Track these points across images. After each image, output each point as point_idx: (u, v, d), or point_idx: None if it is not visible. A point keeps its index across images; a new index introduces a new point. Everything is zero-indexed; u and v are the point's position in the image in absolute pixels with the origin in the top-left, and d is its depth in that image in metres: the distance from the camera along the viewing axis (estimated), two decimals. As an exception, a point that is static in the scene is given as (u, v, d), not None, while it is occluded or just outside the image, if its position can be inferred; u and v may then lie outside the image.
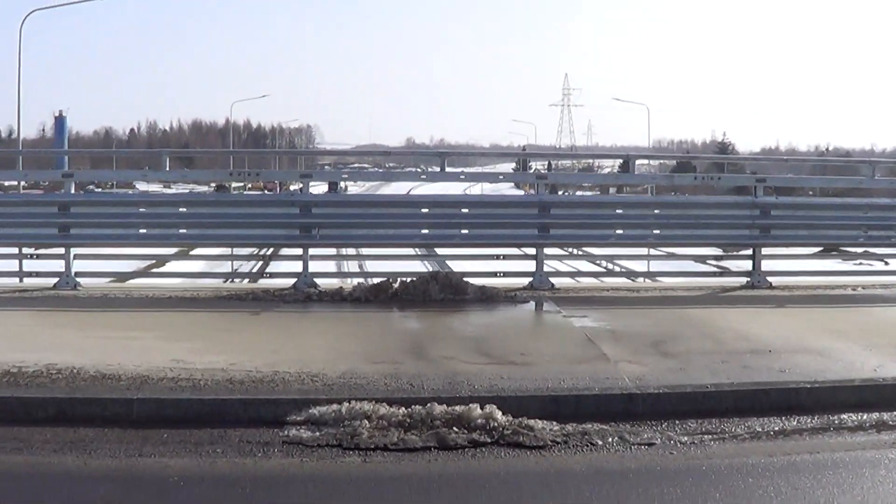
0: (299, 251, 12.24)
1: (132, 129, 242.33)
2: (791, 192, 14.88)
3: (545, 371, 7.77)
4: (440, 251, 13.37)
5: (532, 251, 12.57)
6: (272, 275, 12.96)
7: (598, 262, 14.07)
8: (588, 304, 11.21)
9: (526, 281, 12.39)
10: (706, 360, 8.23)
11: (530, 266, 12.50)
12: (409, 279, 11.58)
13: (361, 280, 12.00)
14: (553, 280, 12.49)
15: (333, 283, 12.46)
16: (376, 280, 11.70)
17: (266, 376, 7.52)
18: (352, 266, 14.18)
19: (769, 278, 12.82)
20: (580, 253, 14.02)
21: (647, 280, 13.26)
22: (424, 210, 12.29)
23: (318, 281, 12.13)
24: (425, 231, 12.25)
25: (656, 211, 12.74)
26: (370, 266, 12.94)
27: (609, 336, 9.28)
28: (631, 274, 14.47)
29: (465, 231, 12.25)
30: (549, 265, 12.73)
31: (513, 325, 10.27)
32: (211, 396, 7.08)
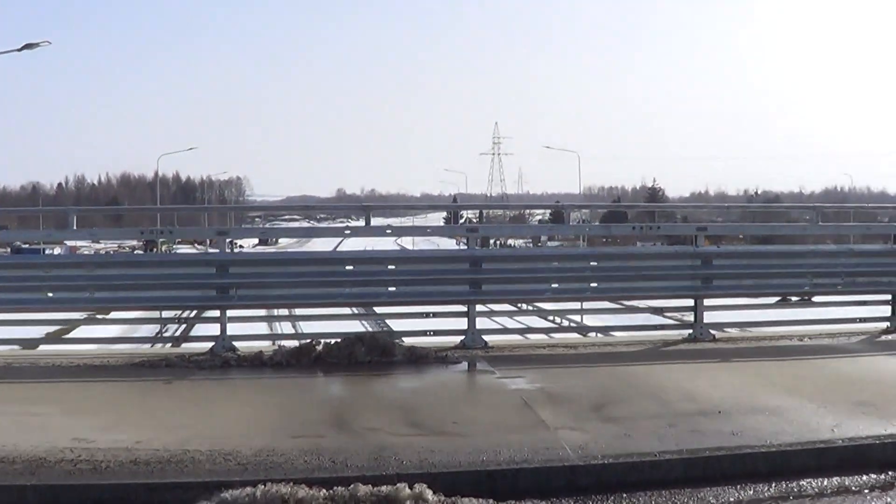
0: (217, 313, 11.54)
1: (59, 184, 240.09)
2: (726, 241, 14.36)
3: (480, 442, 7.21)
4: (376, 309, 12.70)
5: (464, 308, 11.95)
6: (189, 339, 12.16)
7: (535, 315, 13.44)
8: (524, 364, 10.71)
9: (458, 339, 11.80)
10: (652, 424, 7.74)
11: (462, 324, 11.90)
12: (333, 341, 10.93)
13: (283, 343, 11.26)
14: (487, 338, 11.90)
15: (256, 345, 11.75)
16: (299, 343, 11.00)
17: (175, 455, 6.89)
18: (285, 326, 13.45)
19: (711, 331, 12.32)
20: (516, 308, 13.46)
21: (596, 334, 12.62)
22: (349, 267, 11.66)
23: (239, 344, 11.46)
24: (351, 290, 11.59)
25: (593, 263, 12.24)
26: (304, 326, 12.26)
27: (547, 400, 8.76)
28: (563, 329, 13.77)
29: (392, 288, 11.64)
30: (484, 322, 12.09)
31: (444, 390, 9.64)
32: (113, 481, 6.45)
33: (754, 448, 7.06)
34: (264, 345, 11.84)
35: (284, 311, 12.16)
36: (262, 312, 12.88)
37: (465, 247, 12.39)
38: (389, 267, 11.76)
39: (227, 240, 11.77)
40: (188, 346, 12.20)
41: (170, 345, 12.26)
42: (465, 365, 10.86)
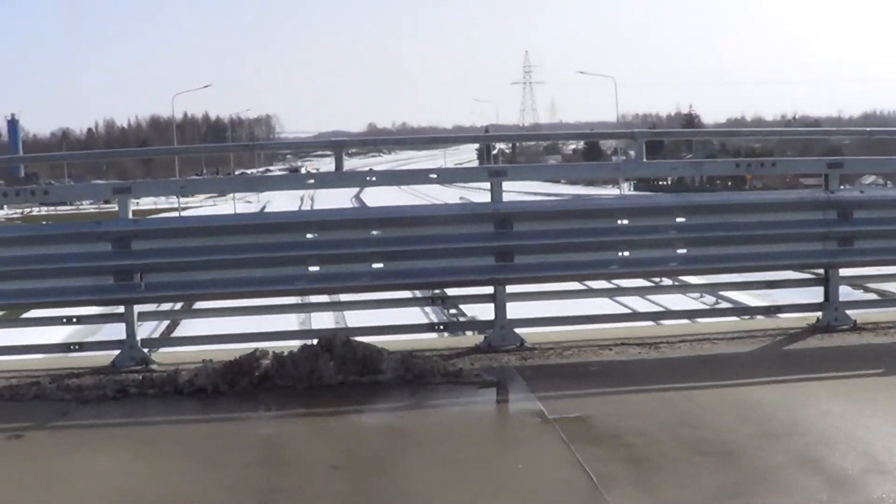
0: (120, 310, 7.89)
1: (90, 129, 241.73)
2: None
3: None
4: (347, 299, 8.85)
5: (488, 290, 8.25)
6: (83, 346, 8.40)
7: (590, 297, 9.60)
8: (581, 382, 7.27)
9: (479, 338, 8.20)
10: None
11: (485, 313, 8.22)
12: (287, 350, 7.27)
13: (211, 359, 7.54)
14: (522, 332, 8.20)
15: (182, 353, 8.09)
16: (235, 357, 7.32)
17: None
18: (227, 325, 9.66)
19: (848, 312, 8.55)
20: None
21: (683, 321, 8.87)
22: (310, 235, 7.88)
23: (166, 352, 7.82)
24: (316, 269, 7.84)
25: (680, 219, 8.34)
26: (250, 324, 8.47)
27: (631, 471, 5.30)
28: (632, 317, 9.93)
29: (378, 265, 7.91)
30: (517, 309, 8.38)
31: (453, 448, 5.90)
32: None
33: None
34: (194, 352, 8.14)
35: (226, 303, 8.25)
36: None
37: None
38: (373, 233, 7.98)
39: (132, 200, 7.96)
40: (95, 355, 8.47)
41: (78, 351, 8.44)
42: (490, 390, 7.16)
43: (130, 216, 8.00)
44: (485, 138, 9.42)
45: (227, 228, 8.01)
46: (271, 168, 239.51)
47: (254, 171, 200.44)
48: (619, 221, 8.39)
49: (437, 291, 8.75)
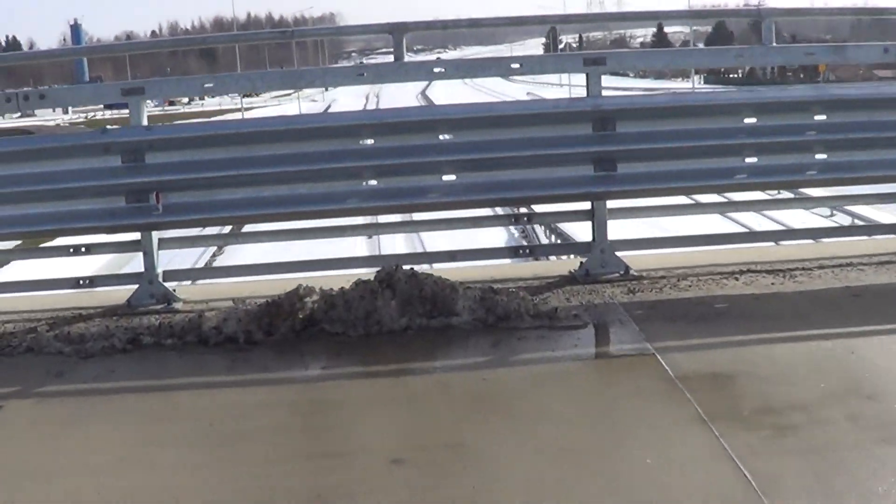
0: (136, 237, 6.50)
1: (153, 32, 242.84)
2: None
3: None
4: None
5: (584, 206, 6.73)
6: (95, 282, 6.96)
7: (706, 213, 7.95)
8: (706, 325, 5.80)
9: (573, 263, 6.67)
10: None
11: (581, 232, 6.69)
12: (336, 288, 5.81)
13: (246, 297, 6.11)
14: (625, 256, 6.71)
15: (209, 288, 6.70)
16: (272, 298, 5.89)
17: None
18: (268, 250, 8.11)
19: None
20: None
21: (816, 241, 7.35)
22: (367, 141, 6.35)
23: (189, 288, 6.46)
24: (370, 183, 6.34)
25: (820, 117, 6.68)
26: (291, 251, 6.99)
27: (802, 470, 3.81)
28: (756, 237, 8.36)
29: (449, 177, 6.34)
30: (619, 229, 6.88)
31: (552, 431, 4.40)
32: None
33: None
34: (229, 286, 6.75)
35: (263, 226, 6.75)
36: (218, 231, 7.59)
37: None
38: (443, 137, 6.42)
39: (148, 101, 6.47)
40: (110, 291, 7.08)
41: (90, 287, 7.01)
42: (593, 337, 5.66)
43: (145, 122, 6.51)
44: (577, 17, 7.77)
45: (261, 135, 6.43)
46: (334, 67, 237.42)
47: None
48: (745, 120, 6.75)
49: (521, 209, 7.18)
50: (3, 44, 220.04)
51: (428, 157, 6.46)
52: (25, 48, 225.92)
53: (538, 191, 6.61)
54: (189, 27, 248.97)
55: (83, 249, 6.82)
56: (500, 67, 6.76)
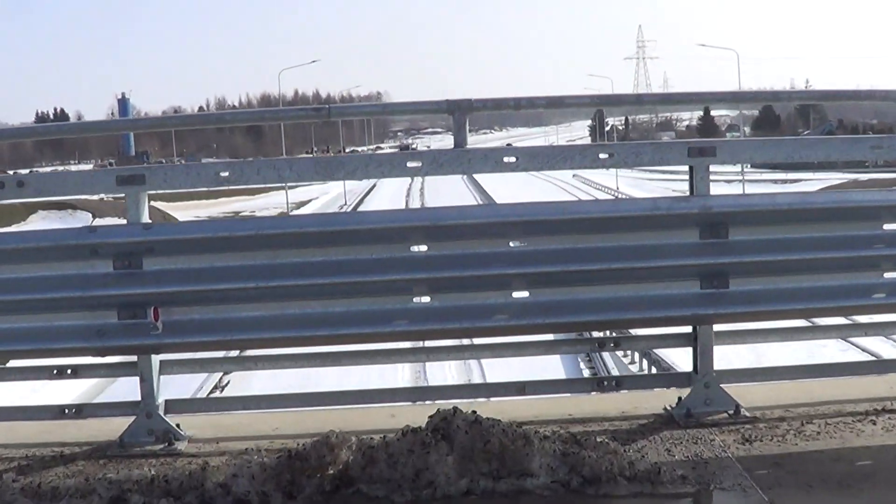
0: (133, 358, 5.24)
1: (201, 107, 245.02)
2: None
3: None
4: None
5: (685, 329, 5.43)
6: (83, 411, 5.66)
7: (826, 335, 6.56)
8: (851, 493, 4.47)
9: (667, 396, 5.43)
10: None
11: (680, 360, 5.46)
12: (377, 439, 4.51)
13: (260, 434, 4.83)
14: (731, 387, 5.43)
15: (235, 422, 5.44)
16: (297, 444, 4.59)
17: None
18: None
19: None
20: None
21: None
22: (420, 248, 5.06)
23: (195, 419, 5.23)
24: (422, 300, 5.05)
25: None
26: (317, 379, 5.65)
27: None
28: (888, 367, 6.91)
29: (520, 294, 5.03)
30: (725, 356, 5.55)
31: None
32: None
33: None
34: (241, 419, 5.48)
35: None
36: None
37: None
38: (514, 245, 5.15)
39: (141, 192, 5.25)
40: (102, 422, 5.79)
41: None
42: (702, 500, 4.40)
43: (145, 219, 5.27)
44: (653, 98, 6.55)
45: (286, 238, 5.16)
46: (382, 146, 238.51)
47: (364, 148, 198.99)
48: (884, 226, 5.43)
49: (605, 333, 5.87)
50: (52, 116, 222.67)
51: (494, 268, 5.16)
52: (74, 119, 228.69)
53: (631, 313, 5.29)
54: (236, 103, 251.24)
55: (69, 371, 5.55)
56: (584, 158, 5.45)
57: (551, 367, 6.77)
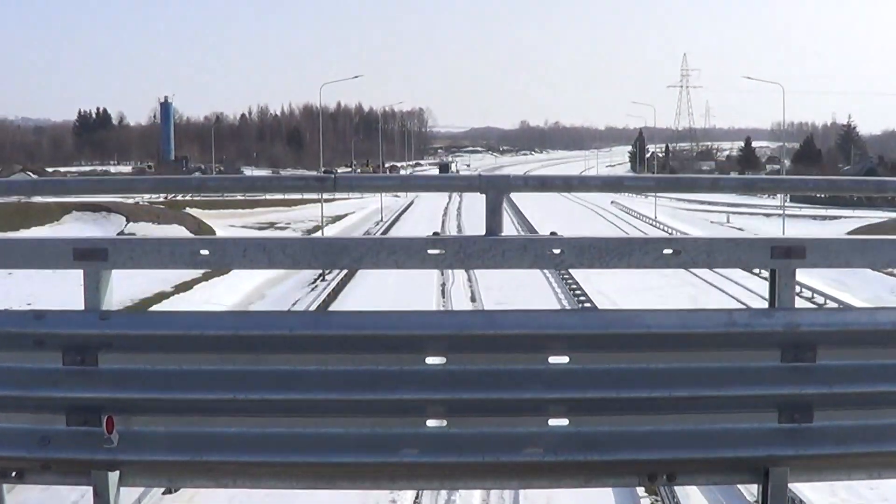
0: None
1: (243, 115, 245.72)
2: None
3: None
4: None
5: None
6: None
7: None
8: None
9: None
10: None
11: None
12: None
13: None
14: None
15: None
16: None
17: None
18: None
19: None
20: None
21: None
22: (436, 360, 4.09)
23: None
24: (437, 423, 4.13)
25: None
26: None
27: None
28: None
29: (558, 422, 4.11)
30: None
31: None
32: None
33: None
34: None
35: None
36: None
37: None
38: (554, 361, 4.16)
39: (102, 270, 4.32)
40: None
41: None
42: None
43: (104, 306, 4.31)
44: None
45: (273, 340, 4.19)
46: (421, 162, 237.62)
47: (404, 164, 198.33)
48: None
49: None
50: (94, 115, 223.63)
51: (528, 390, 4.18)
52: (115, 121, 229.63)
53: (690, 451, 4.28)
54: (279, 112, 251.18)
55: (13, 474, 4.60)
56: (645, 254, 4.44)
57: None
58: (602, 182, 4.82)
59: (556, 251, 4.40)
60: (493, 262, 4.34)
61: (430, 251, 4.43)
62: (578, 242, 4.43)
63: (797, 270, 4.44)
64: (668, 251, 4.46)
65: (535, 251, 4.40)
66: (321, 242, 4.46)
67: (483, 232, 4.42)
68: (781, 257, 4.39)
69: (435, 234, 4.60)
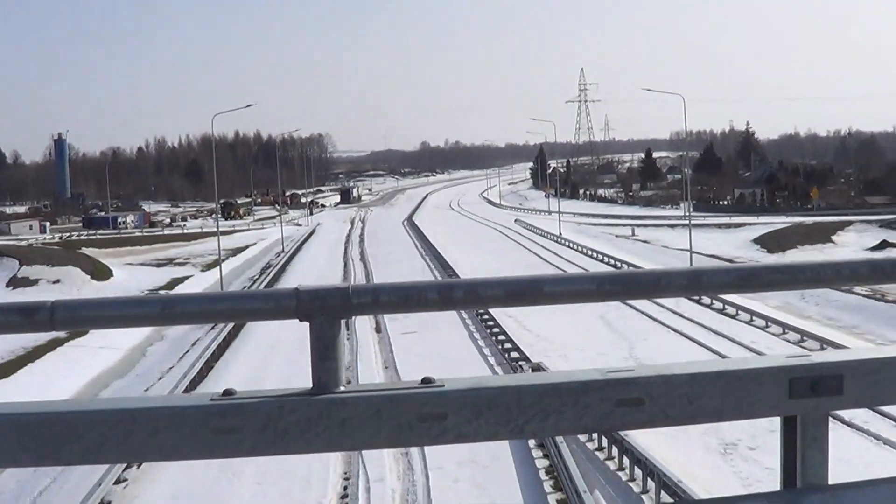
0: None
1: (140, 148, 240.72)
2: None
3: None
4: None
5: None
6: None
7: None
8: None
9: None
10: None
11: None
12: None
13: None
14: None
15: None
16: None
17: None
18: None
19: None
20: None
21: None
22: None
23: None
24: None
25: None
26: None
27: None
28: None
29: None
30: None
31: None
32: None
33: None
34: None
35: None
36: None
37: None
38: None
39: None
40: None
41: None
42: None
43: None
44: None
45: None
46: (322, 188, 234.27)
47: (304, 191, 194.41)
48: None
49: None
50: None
51: None
52: (10, 160, 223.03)
53: None
54: (176, 144, 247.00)
55: None
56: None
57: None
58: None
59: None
60: (322, 440, 2.48)
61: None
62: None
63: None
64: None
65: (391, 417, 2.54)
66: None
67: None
68: (806, 395, 2.58)
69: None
